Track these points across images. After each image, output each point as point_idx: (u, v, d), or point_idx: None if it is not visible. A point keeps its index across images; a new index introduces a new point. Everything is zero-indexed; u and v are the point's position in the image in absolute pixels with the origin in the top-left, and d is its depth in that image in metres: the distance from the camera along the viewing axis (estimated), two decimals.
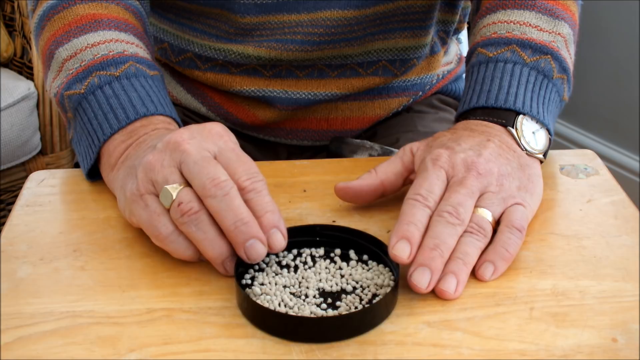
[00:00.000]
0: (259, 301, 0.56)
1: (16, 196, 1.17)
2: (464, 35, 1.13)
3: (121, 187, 0.65)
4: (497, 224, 0.62)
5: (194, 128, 0.63)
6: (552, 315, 0.56)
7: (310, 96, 0.93)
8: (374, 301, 0.57)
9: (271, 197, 0.60)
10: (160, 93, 0.72)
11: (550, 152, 0.75)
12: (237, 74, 0.92)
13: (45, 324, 0.55)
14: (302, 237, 0.63)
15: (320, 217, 0.68)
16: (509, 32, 0.74)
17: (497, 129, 0.69)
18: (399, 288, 0.58)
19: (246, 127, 0.97)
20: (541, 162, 0.70)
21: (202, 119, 0.98)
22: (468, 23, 1.05)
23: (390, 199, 0.70)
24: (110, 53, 0.73)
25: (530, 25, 0.74)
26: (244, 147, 0.97)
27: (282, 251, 0.61)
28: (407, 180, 0.69)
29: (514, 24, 0.75)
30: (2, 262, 0.62)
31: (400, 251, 0.58)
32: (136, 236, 0.65)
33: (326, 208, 0.69)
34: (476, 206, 0.62)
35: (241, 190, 0.59)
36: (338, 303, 0.57)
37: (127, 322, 0.56)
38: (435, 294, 0.58)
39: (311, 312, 0.56)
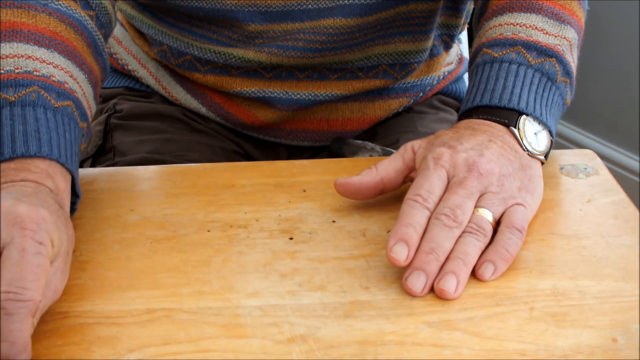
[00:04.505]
0: None
1: None
2: (464, 35, 1.13)
3: None
4: (497, 224, 0.62)
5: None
6: (552, 315, 0.56)
7: (310, 97, 0.93)
8: None
9: (29, 322, 0.51)
10: (57, 130, 0.62)
11: (551, 152, 0.75)
12: (237, 75, 0.92)
13: (44, 324, 0.55)
14: None
15: (320, 217, 0.68)
16: (514, 33, 0.74)
17: (499, 128, 0.69)
18: (398, 288, 0.58)
19: (246, 128, 0.96)
20: (542, 163, 0.70)
21: (202, 119, 0.98)
22: (469, 24, 1.05)
23: (391, 198, 0.70)
24: (17, 70, 0.64)
25: (536, 28, 0.74)
26: (244, 147, 0.99)
27: None
28: (408, 178, 0.68)
29: (520, 26, 0.74)
30: None
31: (398, 254, 0.58)
32: (136, 236, 0.64)
33: (326, 208, 0.69)
34: (477, 206, 0.62)
35: None
36: None
37: (127, 322, 0.55)
38: (435, 293, 0.58)
39: None
